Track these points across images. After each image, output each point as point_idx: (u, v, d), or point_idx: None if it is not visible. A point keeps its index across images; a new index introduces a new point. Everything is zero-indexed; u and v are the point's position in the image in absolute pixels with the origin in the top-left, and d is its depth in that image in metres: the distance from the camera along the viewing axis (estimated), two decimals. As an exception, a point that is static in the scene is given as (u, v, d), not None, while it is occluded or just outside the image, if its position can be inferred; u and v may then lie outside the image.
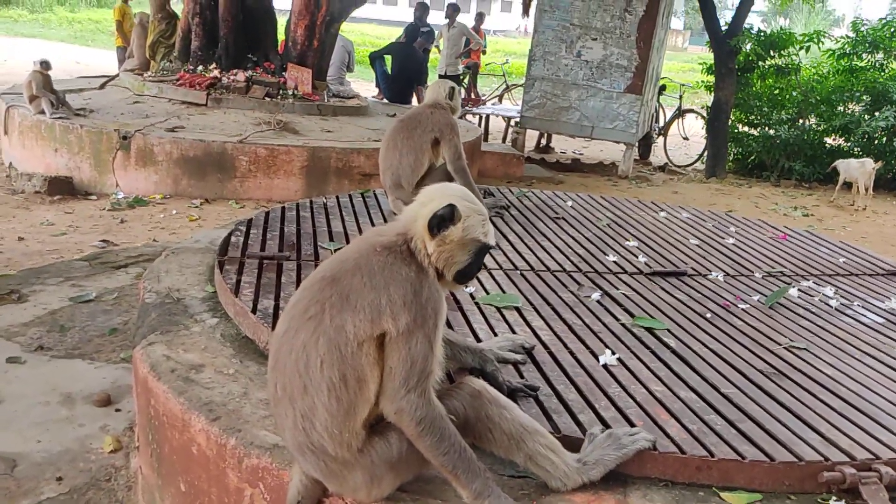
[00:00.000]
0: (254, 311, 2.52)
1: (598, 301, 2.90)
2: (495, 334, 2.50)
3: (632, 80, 9.56)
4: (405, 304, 1.66)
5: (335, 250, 3.19)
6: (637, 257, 3.51)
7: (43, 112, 7.10)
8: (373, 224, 3.73)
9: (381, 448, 1.70)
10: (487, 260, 2.95)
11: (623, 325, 2.68)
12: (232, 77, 8.50)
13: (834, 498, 1.84)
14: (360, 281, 1.69)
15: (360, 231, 3.57)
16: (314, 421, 1.66)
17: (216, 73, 8.57)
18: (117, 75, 9.46)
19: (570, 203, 4.50)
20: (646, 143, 11.60)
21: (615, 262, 3.43)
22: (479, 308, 2.73)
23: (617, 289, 3.06)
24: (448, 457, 1.65)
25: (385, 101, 11.35)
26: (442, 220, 1.70)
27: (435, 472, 1.73)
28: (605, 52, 9.57)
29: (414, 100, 11.75)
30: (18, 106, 7.41)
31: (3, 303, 3.79)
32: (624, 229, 4.01)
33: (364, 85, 14.60)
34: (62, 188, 6.79)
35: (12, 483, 2.51)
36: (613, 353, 2.39)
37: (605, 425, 1.96)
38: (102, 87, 8.82)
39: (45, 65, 7.26)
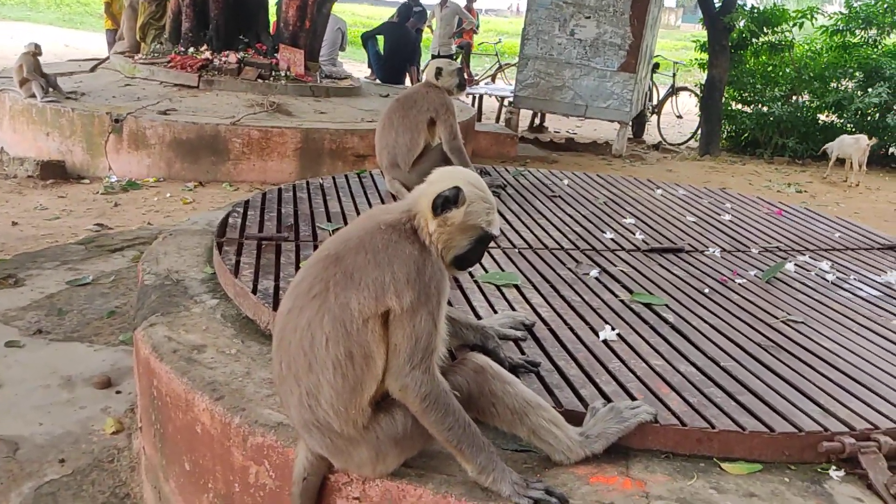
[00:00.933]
0: (254, 291, 2.52)
1: (596, 278, 2.91)
2: (495, 312, 2.51)
3: (625, 59, 9.52)
4: (409, 281, 1.66)
5: (333, 231, 3.19)
6: (634, 234, 3.52)
7: (34, 96, 7.05)
8: (370, 204, 3.73)
9: (387, 424, 1.71)
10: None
11: (622, 301, 2.69)
12: (223, 59, 8.43)
13: (833, 467, 1.86)
14: (365, 258, 1.69)
15: (358, 211, 3.57)
16: (319, 398, 1.67)
17: (207, 54, 8.49)
18: (108, 58, 9.37)
19: (566, 181, 4.50)
20: (639, 122, 11.58)
21: (613, 239, 3.44)
22: (479, 286, 2.74)
23: (615, 265, 3.07)
24: (452, 432, 1.66)
25: (378, 81, 11.29)
26: (446, 201, 1.70)
27: (439, 447, 1.74)
28: (599, 30, 9.53)
29: (407, 80, 11.70)
30: (9, 90, 7.35)
31: (0, 287, 3.78)
32: (621, 207, 4.02)
33: (356, 66, 14.52)
34: (55, 172, 6.75)
35: (15, 466, 2.52)
36: (613, 329, 2.40)
37: (607, 399, 1.98)
38: (93, 69, 8.74)
39: (36, 48, 7.19)
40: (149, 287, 2.72)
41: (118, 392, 2.96)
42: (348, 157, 7.16)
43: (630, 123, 10.22)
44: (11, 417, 2.75)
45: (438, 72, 3.99)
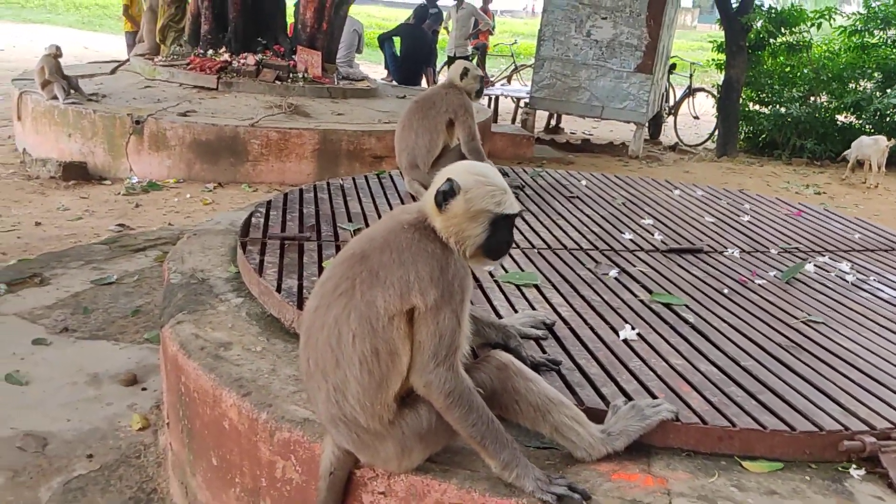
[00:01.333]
0: (278, 290, 2.56)
1: (615, 278, 2.93)
2: (516, 311, 2.54)
3: (642, 60, 9.52)
4: (432, 279, 1.69)
5: (354, 231, 3.24)
6: (653, 235, 3.54)
7: (56, 97, 7.13)
8: (389, 205, 3.76)
9: (412, 420, 1.74)
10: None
11: (641, 301, 2.71)
12: (242, 61, 8.51)
13: (854, 466, 1.87)
14: (389, 257, 1.72)
15: (378, 212, 3.60)
16: (346, 394, 1.71)
17: (226, 56, 8.59)
18: (128, 60, 9.48)
19: (584, 182, 4.52)
20: (656, 123, 11.57)
21: (631, 239, 3.45)
22: (499, 286, 2.76)
23: (634, 266, 3.09)
24: (476, 428, 1.69)
25: (394, 83, 11.34)
26: (444, 195, 1.72)
27: (463, 443, 1.77)
28: (615, 31, 9.53)
29: (423, 81, 11.74)
30: (31, 92, 7.44)
31: (26, 286, 3.85)
32: (639, 207, 4.03)
33: (372, 67, 14.57)
34: (77, 173, 6.84)
35: (44, 461, 2.58)
36: (633, 329, 2.42)
37: (628, 397, 2.00)
38: (114, 72, 8.85)
39: (57, 50, 7.29)
40: (175, 285, 2.76)
41: (144, 389, 3.01)
42: (366, 158, 7.21)
43: (646, 124, 10.21)
44: (40, 414, 2.81)
45: (465, 72, 4.01)
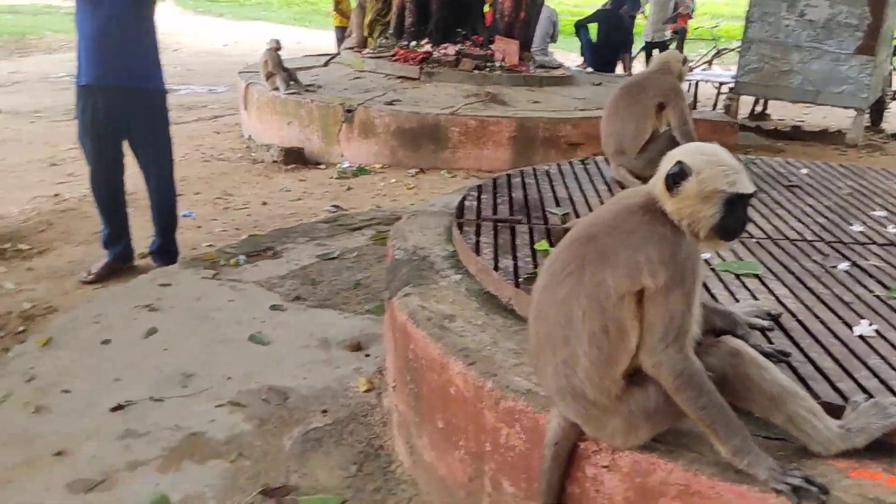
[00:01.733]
0: (495, 268, 2.68)
1: (846, 271, 2.76)
2: (736, 300, 2.48)
3: (862, 40, 8.72)
4: (663, 262, 1.71)
5: (563, 215, 3.29)
6: (886, 227, 3.28)
7: (277, 88, 7.80)
8: (596, 190, 3.77)
9: (639, 398, 1.77)
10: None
11: (877, 296, 2.54)
12: (442, 51, 8.83)
13: None
14: (618, 239, 1.76)
15: (585, 197, 3.63)
16: (575, 368, 1.77)
17: (428, 48, 8.94)
18: (338, 53, 10.14)
19: (804, 171, 4.26)
20: (877, 109, 10.55)
21: (862, 232, 3.22)
22: (717, 274, 2.70)
23: (866, 259, 2.89)
24: (706, 411, 1.69)
25: (589, 69, 11.23)
26: (675, 178, 1.72)
27: (689, 426, 1.78)
28: (832, 10, 8.80)
29: (619, 68, 11.52)
30: (255, 83, 8.19)
31: (262, 258, 4.28)
32: (869, 198, 3.74)
33: (565, 55, 14.49)
34: (295, 158, 7.46)
35: (285, 412, 2.88)
36: (871, 324, 2.28)
37: (868, 395, 1.90)
38: (326, 64, 9.51)
39: (277, 44, 7.95)
40: (399, 261, 2.97)
41: (367, 355, 3.26)
42: (561, 145, 7.24)
43: (867, 110, 9.35)
44: (280, 371, 3.13)
45: (684, 60, 4.07)
